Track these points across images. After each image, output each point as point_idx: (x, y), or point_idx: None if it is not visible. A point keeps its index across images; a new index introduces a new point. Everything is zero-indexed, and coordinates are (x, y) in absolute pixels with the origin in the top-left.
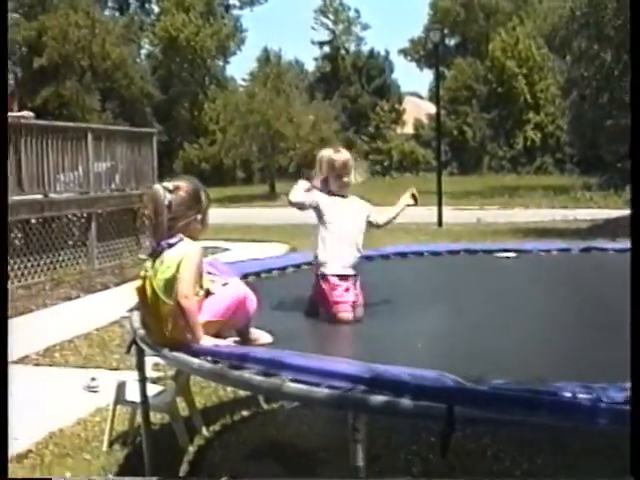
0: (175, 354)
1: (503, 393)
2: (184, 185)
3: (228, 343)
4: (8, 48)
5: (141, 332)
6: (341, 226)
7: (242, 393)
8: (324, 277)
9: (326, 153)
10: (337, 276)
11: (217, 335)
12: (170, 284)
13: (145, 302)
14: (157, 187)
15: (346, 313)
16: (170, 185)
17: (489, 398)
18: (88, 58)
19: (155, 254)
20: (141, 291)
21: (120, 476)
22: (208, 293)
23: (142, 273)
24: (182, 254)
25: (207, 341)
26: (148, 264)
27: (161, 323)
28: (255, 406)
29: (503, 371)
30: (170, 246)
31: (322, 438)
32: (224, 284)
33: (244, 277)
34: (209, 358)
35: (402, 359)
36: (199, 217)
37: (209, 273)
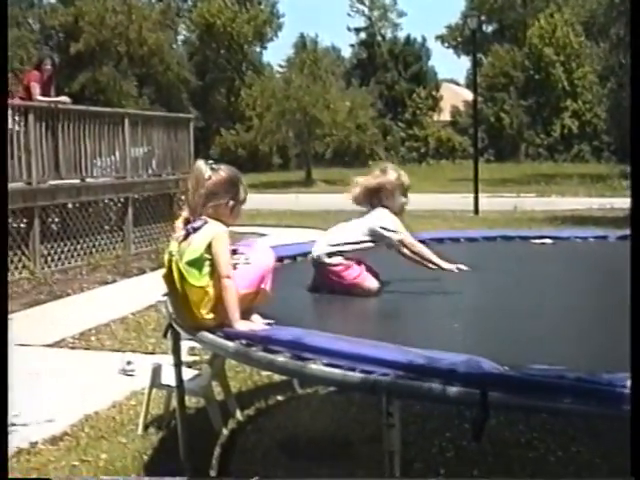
0: (211, 337)
1: (538, 379)
2: (225, 168)
3: (263, 326)
4: (44, 34)
5: (176, 316)
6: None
7: (277, 378)
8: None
9: (392, 177)
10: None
11: (247, 310)
12: (198, 266)
13: (173, 287)
14: (200, 162)
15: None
16: (213, 164)
17: (523, 384)
18: (125, 44)
19: (180, 238)
20: (168, 277)
21: (153, 459)
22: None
23: (167, 257)
24: (212, 235)
25: (242, 325)
26: (173, 248)
27: (191, 307)
28: (290, 391)
29: (539, 357)
30: (195, 230)
31: (356, 423)
32: (246, 261)
33: (280, 260)
34: (244, 341)
35: (437, 340)
36: (231, 203)
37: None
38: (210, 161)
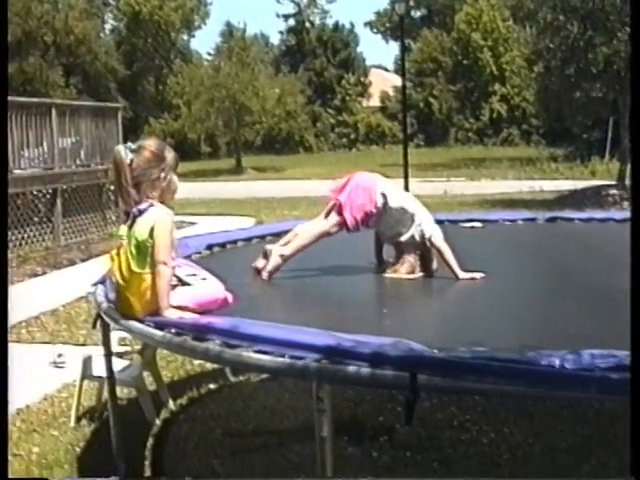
0: (139, 326)
1: (467, 361)
2: (147, 144)
3: (193, 315)
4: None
5: (105, 306)
6: None
7: (209, 366)
8: None
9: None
10: None
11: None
12: (142, 251)
13: (119, 272)
14: (119, 147)
15: None
16: (133, 145)
17: (453, 366)
18: (51, 33)
19: (129, 222)
20: (114, 260)
21: (86, 451)
22: (182, 283)
23: (119, 243)
24: (153, 220)
25: (172, 313)
26: (123, 232)
27: (129, 294)
28: (222, 379)
29: (469, 339)
30: (140, 212)
31: (289, 410)
32: (203, 279)
33: (209, 248)
34: (173, 330)
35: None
36: (163, 175)
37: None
38: (128, 144)
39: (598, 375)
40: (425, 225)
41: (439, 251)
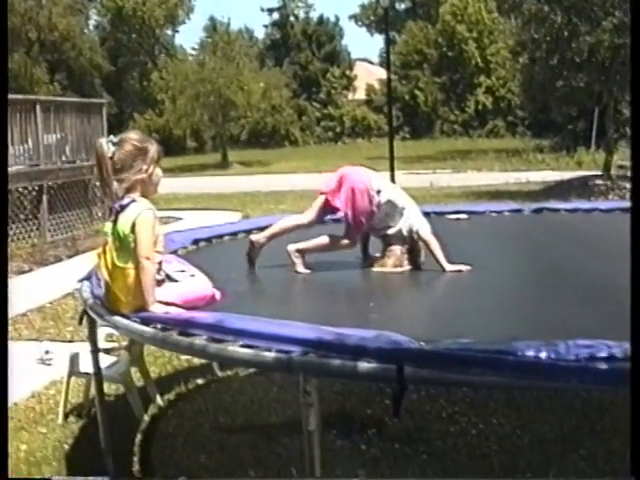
0: (125, 322)
1: (453, 352)
2: (130, 137)
3: (178, 310)
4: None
5: (91, 302)
6: None
7: (197, 361)
8: None
9: None
10: None
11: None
12: (125, 247)
13: (106, 268)
14: (101, 140)
15: None
16: (115, 138)
17: (439, 357)
18: (35, 30)
19: (112, 218)
20: (101, 257)
21: (74, 448)
22: (170, 279)
23: (105, 239)
24: (135, 216)
25: (158, 308)
26: (108, 229)
27: (120, 288)
28: (210, 374)
29: (456, 331)
30: (122, 208)
31: (277, 404)
32: (191, 275)
33: (195, 243)
34: (159, 325)
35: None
36: (145, 168)
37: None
38: (110, 137)
39: (585, 365)
40: (413, 218)
41: (426, 244)
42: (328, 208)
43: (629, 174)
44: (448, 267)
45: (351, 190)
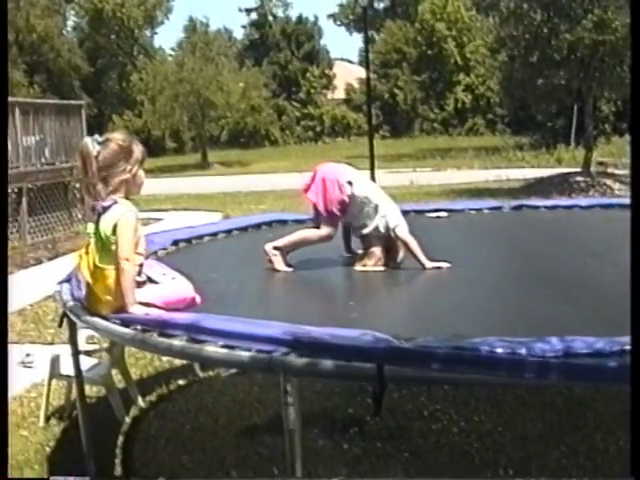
0: (105, 324)
1: (432, 350)
2: (115, 137)
3: (158, 311)
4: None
5: (71, 304)
6: None
7: (178, 362)
8: None
9: None
10: None
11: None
12: (106, 248)
13: (87, 269)
14: (86, 140)
15: None
16: (100, 138)
17: (417, 355)
18: (13, 32)
19: (94, 219)
20: (83, 258)
21: (56, 451)
22: (151, 281)
23: (87, 241)
24: (117, 217)
25: (138, 309)
26: (90, 230)
27: (101, 289)
28: (191, 375)
29: (439, 328)
30: (105, 209)
31: (259, 404)
32: (172, 278)
33: (175, 244)
34: (139, 327)
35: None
36: (129, 168)
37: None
38: (96, 136)
39: (564, 362)
40: (390, 216)
41: (404, 243)
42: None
43: (609, 170)
44: (428, 264)
45: (321, 180)
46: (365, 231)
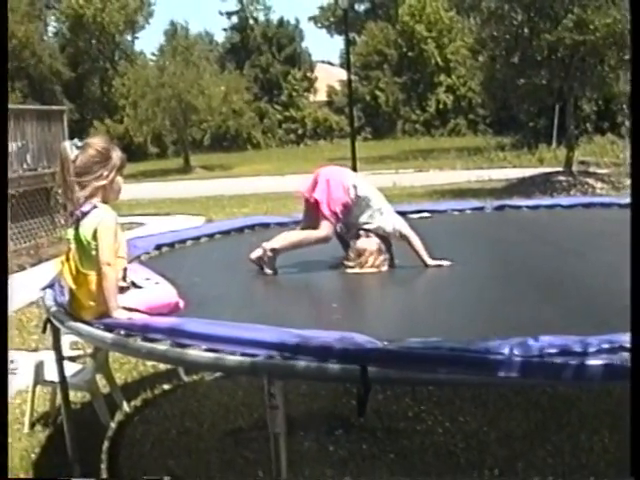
0: (88, 329)
1: (416, 351)
2: (94, 142)
3: (142, 315)
4: None
5: (54, 309)
6: None
7: (162, 367)
8: None
9: None
10: None
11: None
12: (87, 253)
13: (70, 274)
14: (65, 144)
15: None
16: (79, 142)
17: (403, 357)
18: None
19: (74, 224)
20: (65, 264)
21: (41, 457)
22: (135, 286)
23: (68, 246)
24: (96, 222)
25: (121, 314)
26: (70, 235)
27: (83, 295)
28: (176, 379)
29: (422, 329)
30: (84, 214)
31: (244, 407)
32: (156, 283)
33: (158, 248)
34: (122, 332)
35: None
36: (106, 174)
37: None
38: (75, 140)
39: (548, 361)
40: (393, 217)
41: (408, 239)
42: (310, 209)
43: (591, 170)
44: (430, 262)
45: (326, 182)
46: (362, 232)
